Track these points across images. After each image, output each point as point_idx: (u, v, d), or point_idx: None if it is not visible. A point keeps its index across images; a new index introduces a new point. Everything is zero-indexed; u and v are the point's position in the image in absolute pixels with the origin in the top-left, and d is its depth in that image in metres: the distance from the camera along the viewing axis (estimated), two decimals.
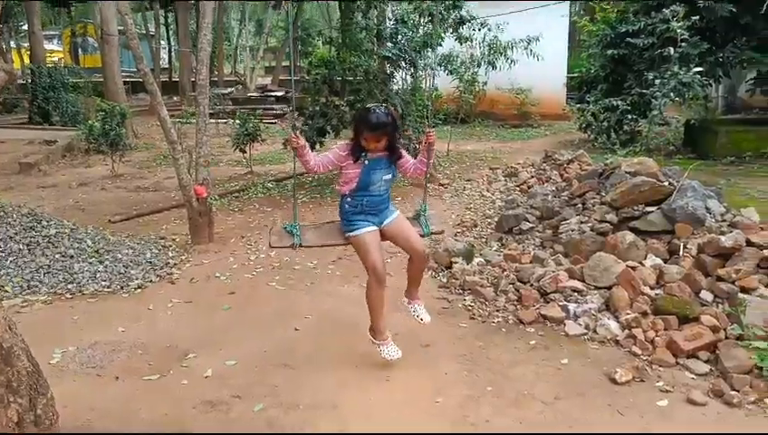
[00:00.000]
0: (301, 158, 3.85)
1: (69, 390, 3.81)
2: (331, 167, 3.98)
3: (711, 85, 12.73)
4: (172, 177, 8.62)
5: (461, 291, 5.40)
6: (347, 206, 3.99)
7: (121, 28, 11.68)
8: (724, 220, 5.39)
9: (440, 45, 9.96)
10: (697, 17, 10.19)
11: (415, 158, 4.15)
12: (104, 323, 4.94)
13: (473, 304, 5.10)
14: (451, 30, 10.67)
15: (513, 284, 5.23)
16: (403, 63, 9.80)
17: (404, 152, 4.11)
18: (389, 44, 9.58)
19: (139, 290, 5.73)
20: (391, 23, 9.98)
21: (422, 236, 4.21)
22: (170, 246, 6.98)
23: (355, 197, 3.93)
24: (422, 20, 9.94)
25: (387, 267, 4.04)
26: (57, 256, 6.12)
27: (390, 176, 4.00)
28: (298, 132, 3.90)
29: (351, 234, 3.96)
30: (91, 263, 6.10)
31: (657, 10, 11.21)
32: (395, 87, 10.16)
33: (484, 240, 6.77)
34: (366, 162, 3.87)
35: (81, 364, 4.27)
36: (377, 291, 3.91)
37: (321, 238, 4.16)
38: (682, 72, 9.52)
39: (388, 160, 3.97)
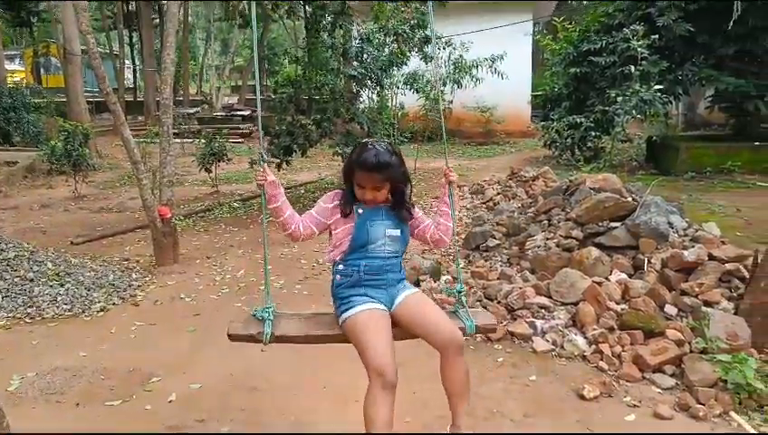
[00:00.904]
0: (270, 205, 2.78)
1: (27, 417, 3.70)
2: (316, 228, 2.86)
3: (671, 102, 13.03)
4: (136, 197, 8.51)
5: None
6: (338, 277, 2.87)
7: (84, 48, 11.57)
8: (687, 235, 5.49)
9: (406, 64, 10.04)
10: (657, 36, 10.44)
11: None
12: (65, 348, 4.81)
13: None
14: (416, 49, 10.76)
15: (480, 301, 5.23)
16: (369, 82, 9.85)
17: (416, 209, 3.02)
18: (355, 63, 9.62)
19: (102, 313, 5.60)
20: (357, 42, 10.04)
21: (464, 334, 2.89)
22: (134, 267, 6.87)
23: (347, 262, 2.85)
24: (387, 39, 10.01)
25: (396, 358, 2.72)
26: (16, 279, 5.96)
27: (398, 232, 2.88)
28: (266, 166, 2.81)
29: (345, 314, 2.78)
30: (51, 286, 5.96)
31: (618, 29, 11.48)
32: (361, 106, 10.20)
33: (451, 257, 6.78)
34: (360, 211, 2.82)
35: (40, 391, 4.14)
36: (381, 400, 2.58)
37: (305, 329, 2.95)
38: (643, 90, 9.72)
39: (393, 212, 2.89)
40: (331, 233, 2.91)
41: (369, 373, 2.62)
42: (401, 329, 2.84)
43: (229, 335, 2.98)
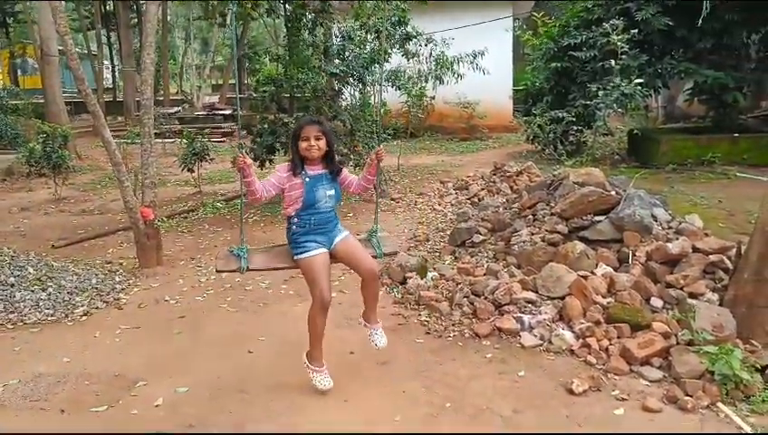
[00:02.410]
0: (245, 179, 3.74)
1: (10, 425, 3.64)
2: (273, 191, 3.86)
3: (651, 96, 13.13)
4: (118, 199, 8.42)
5: (416, 306, 5.38)
6: (294, 227, 3.89)
7: (62, 48, 11.40)
8: (671, 227, 5.52)
9: (387, 61, 10.01)
10: (636, 31, 10.49)
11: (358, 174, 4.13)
12: (48, 354, 4.74)
13: (428, 319, 5.08)
14: (398, 46, 10.73)
15: (467, 297, 5.23)
16: (351, 80, 9.81)
17: (344, 169, 4.07)
18: (337, 61, 9.58)
19: (85, 317, 5.53)
20: (338, 39, 10.00)
21: (375, 258, 4.07)
22: (117, 270, 6.78)
23: (302, 216, 3.84)
24: (369, 36, 9.97)
25: (341, 285, 4.20)
26: None
27: (333, 192, 3.93)
28: (245, 151, 3.82)
29: (300, 256, 3.84)
30: (33, 291, 5.87)
31: (597, 24, 11.52)
32: (344, 103, 10.16)
33: (437, 254, 6.77)
34: (307, 179, 3.81)
35: (23, 398, 4.08)
36: (320, 318, 3.79)
37: (270, 262, 4.03)
38: (623, 84, 9.75)
39: (330, 176, 3.91)
40: (284, 195, 3.86)
41: (313, 296, 3.77)
42: (337, 260, 3.97)
43: (216, 270, 4.08)
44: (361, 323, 4.23)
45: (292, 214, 3.86)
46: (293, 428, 3.60)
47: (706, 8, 10.29)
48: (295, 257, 3.88)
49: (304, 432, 3.55)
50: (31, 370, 4.46)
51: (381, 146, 4.07)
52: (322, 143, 3.82)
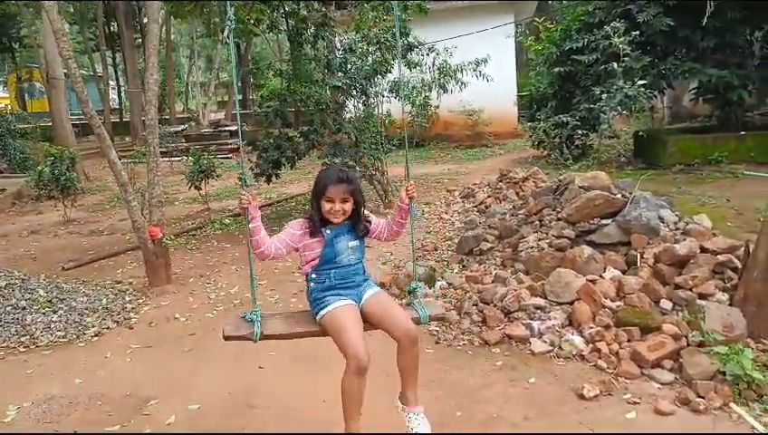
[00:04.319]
0: (250, 225, 3.16)
1: None
2: (285, 250, 3.27)
3: (656, 97, 13.11)
4: (126, 219, 8.46)
5: None
6: (312, 284, 3.30)
7: (66, 71, 11.53)
8: (678, 228, 5.50)
9: (390, 72, 10.04)
10: (638, 32, 10.50)
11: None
12: (60, 376, 4.77)
13: (437, 329, 5.07)
14: (401, 57, 10.77)
15: (476, 305, 5.23)
16: (354, 92, 9.84)
17: (372, 217, 3.47)
18: (339, 74, 9.62)
19: (96, 338, 5.56)
20: (340, 52, 10.04)
21: (418, 323, 3.34)
22: (127, 290, 6.82)
23: (320, 272, 3.27)
24: (370, 48, 10.01)
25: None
26: (8, 308, 5.92)
27: (357, 243, 3.35)
28: (251, 190, 3.30)
29: (322, 313, 3.20)
30: (44, 313, 5.91)
31: (599, 27, 11.53)
32: (348, 115, 10.19)
33: (445, 263, 6.77)
34: (328, 232, 3.25)
35: (37, 420, 4.11)
36: (355, 382, 3.03)
37: (289, 327, 3.38)
38: (627, 86, 9.76)
39: (352, 228, 3.32)
40: (300, 255, 3.33)
41: (346, 358, 3.01)
42: (367, 323, 3.23)
43: (224, 337, 3.32)
44: (398, 406, 3.38)
45: (310, 271, 3.32)
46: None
47: (710, 6, 10.27)
48: (317, 317, 3.26)
49: (304, 432, 3.53)
50: (44, 392, 4.49)
51: (411, 182, 3.43)
52: (348, 206, 3.24)
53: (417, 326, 3.25)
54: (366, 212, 3.42)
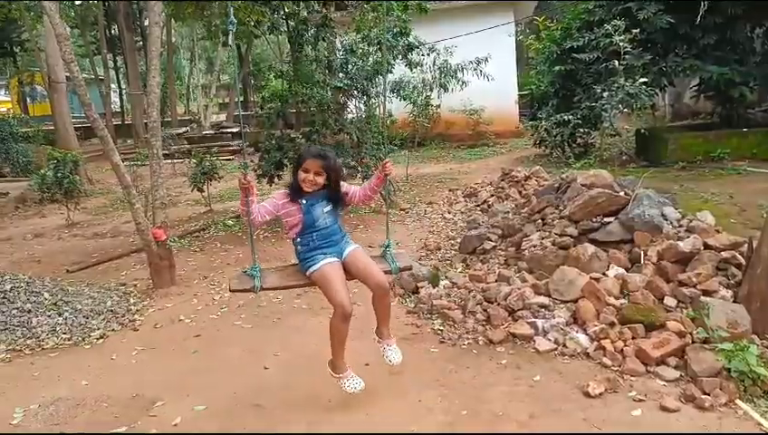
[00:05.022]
0: (245, 198, 3.70)
1: None
2: (267, 216, 3.83)
3: (657, 94, 13.09)
4: (130, 221, 8.49)
5: (429, 315, 5.38)
6: (299, 247, 3.87)
7: (68, 74, 11.55)
8: (681, 226, 5.50)
9: (391, 72, 10.05)
10: (638, 30, 10.49)
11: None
12: (66, 378, 4.78)
13: (442, 328, 5.08)
14: (401, 56, 10.78)
15: (480, 304, 5.23)
16: (355, 92, 9.85)
17: (347, 186, 4.01)
18: (341, 75, 9.63)
19: (102, 340, 5.57)
20: (341, 53, 10.05)
21: (389, 273, 4.00)
22: (131, 292, 6.84)
23: (303, 236, 3.82)
24: (371, 49, 10.02)
25: (354, 297, 3.92)
26: (14, 311, 5.93)
27: (330, 207, 3.86)
28: (249, 171, 3.79)
29: (311, 270, 3.78)
30: (49, 316, 5.92)
31: (599, 25, 11.52)
32: (349, 116, 10.19)
33: (448, 262, 6.78)
34: (304, 201, 3.79)
35: (43, 422, 4.12)
36: (341, 326, 3.70)
37: (284, 280, 3.97)
38: (628, 84, 9.75)
39: (326, 196, 3.85)
40: (283, 220, 3.87)
41: (333, 307, 3.66)
42: (348, 274, 3.83)
43: (231, 290, 3.99)
44: (374, 339, 4.14)
45: (294, 237, 3.86)
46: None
47: (704, 6, 10.31)
48: (307, 273, 3.82)
49: (305, 432, 3.54)
50: (50, 394, 4.50)
51: (388, 158, 4.00)
52: (321, 179, 3.77)
53: (387, 276, 3.92)
54: (344, 185, 3.95)
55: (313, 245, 3.81)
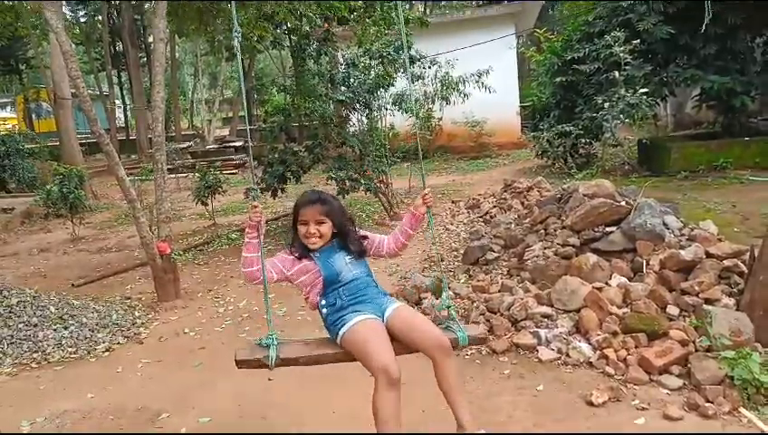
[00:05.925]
0: (248, 235, 3.04)
1: None
2: (276, 275, 3.11)
3: (658, 104, 13.13)
4: (135, 235, 8.53)
5: None
6: (325, 311, 3.08)
7: (74, 91, 11.66)
8: (683, 235, 5.52)
9: (392, 85, 10.12)
10: (638, 41, 10.55)
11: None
12: (73, 391, 4.81)
13: None
14: (402, 70, 10.86)
15: (483, 314, 5.24)
16: (357, 106, 9.92)
17: (371, 234, 3.31)
18: (343, 88, 9.70)
19: (107, 353, 5.61)
20: (343, 67, 10.13)
21: (455, 347, 3.12)
22: (136, 305, 6.88)
23: (328, 296, 3.07)
24: (373, 62, 10.10)
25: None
26: (20, 325, 5.98)
27: (352, 256, 3.15)
28: (257, 194, 3.22)
29: (342, 332, 2.95)
30: (55, 329, 5.96)
31: (600, 37, 11.59)
32: (351, 129, 10.26)
33: (451, 273, 6.79)
34: (317, 255, 3.11)
35: None
36: (388, 395, 2.75)
37: (306, 350, 3.12)
38: (629, 95, 9.81)
39: (341, 246, 3.17)
40: (294, 282, 3.14)
41: (374, 374, 2.77)
42: (394, 340, 2.96)
43: (237, 362, 3.09)
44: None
45: (318, 299, 3.12)
46: None
47: (709, 14, 10.34)
48: (338, 338, 3.00)
49: (305, 432, 3.54)
50: (56, 407, 4.53)
51: (428, 190, 3.20)
52: (325, 228, 3.09)
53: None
54: (360, 231, 3.26)
55: (341, 303, 3.03)
